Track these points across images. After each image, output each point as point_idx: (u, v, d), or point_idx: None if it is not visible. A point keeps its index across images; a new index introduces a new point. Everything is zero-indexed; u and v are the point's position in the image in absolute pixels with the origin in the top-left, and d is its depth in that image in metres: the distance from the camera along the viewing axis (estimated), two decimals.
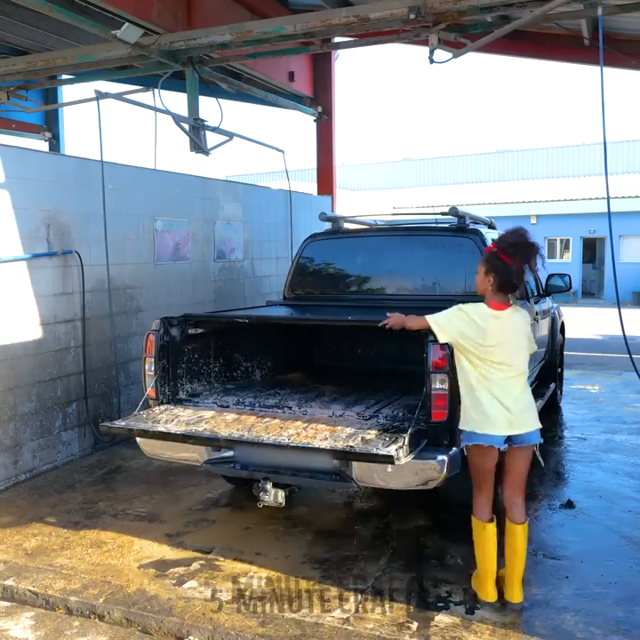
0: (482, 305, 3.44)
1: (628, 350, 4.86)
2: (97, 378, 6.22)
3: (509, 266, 3.35)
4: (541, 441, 3.48)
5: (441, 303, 5.16)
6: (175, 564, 4.03)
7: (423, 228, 5.96)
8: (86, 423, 6.11)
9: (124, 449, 6.17)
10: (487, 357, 3.36)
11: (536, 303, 6.12)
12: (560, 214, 25.26)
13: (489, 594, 3.49)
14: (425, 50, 6.09)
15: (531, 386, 5.87)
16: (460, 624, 3.32)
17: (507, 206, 26.05)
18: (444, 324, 3.44)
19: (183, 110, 7.12)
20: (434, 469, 3.55)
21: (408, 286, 5.59)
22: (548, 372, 6.86)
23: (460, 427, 3.49)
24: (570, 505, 4.79)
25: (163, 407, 4.38)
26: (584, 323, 16.12)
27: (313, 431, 3.78)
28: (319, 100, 10.64)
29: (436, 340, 3.53)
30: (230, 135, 7.58)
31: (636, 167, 29.55)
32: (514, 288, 3.44)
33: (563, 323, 7.82)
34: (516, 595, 3.50)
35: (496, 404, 3.34)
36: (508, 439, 3.39)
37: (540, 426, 3.46)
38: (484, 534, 3.47)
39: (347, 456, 3.53)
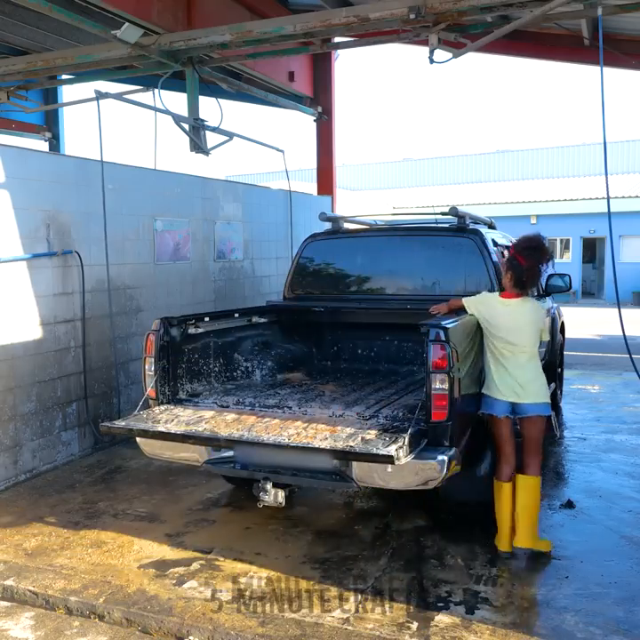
0: (496, 293, 4.24)
1: (628, 350, 4.86)
2: (97, 378, 6.22)
3: (522, 265, 3.96)
4: (551, 413, 4.07)
5: (441, 303, 5.17)
6: (175, 563, 4.03)
7: (423, 228, 5.96)
8: (86, 423, 6.11)
9: (124, 449, 6.17)
10: (498, 334, 3.99)
11: None
12: (560, 214, 25.25)
13: (503, 544, 4.01)
14: (425, 50, 6.09)
15: None
16: (459, 624, 3.32)
17: (507, 206, 26.04)
18: (470, 302, 4.20)
19: (183, 110, 7.13)
20: (434, 469, 3.54)
21: (408, 286, 5.59)
22: (547, 372, 6.84)
23: (482, 390, 4.10)
24: (570, 505, 4.79)
25: (163, 407, 4.38)
26: (584, 323, 16.12)
27: (313, 431, 3.77)
28: (319, 100, 10.64)
29: (436, 340, 3.64)
30: (230, 135, 7.58)
31: (635, 167, 29.55)
32: (525, 284, 4.02)
33: (563, 323, 7.82)
34: (520, 540, 3.98)
35: (506, 375, 3.96)
36: (513, 410, 3.97)
37: (547, 400, 4.04)
38: (501, 492, 3.99)
39: (347, 456, 3.53)
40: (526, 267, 3.95)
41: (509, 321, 3.97)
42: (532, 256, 3.97)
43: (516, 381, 3.94)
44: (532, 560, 4.01)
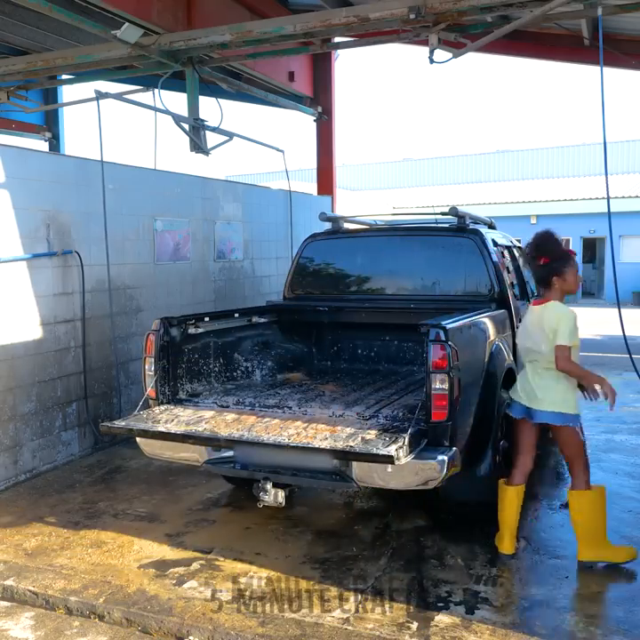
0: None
1: (628, 350, 4.86)
2: (97, 378, 6.22)
3: (534, 263, 4.00)
4: (570, 424, 3.85)
5: (441, 303, 5.18)
6: (175, 564, 4.03)
7: (423, 228, 5.96)
8: (86, 423, 6.11)
9: (124, 449, 6.17)
10: (517, 341, 4.23)
11: None
12: (560, 214, 25.23)
13: (503, 545, 4.01)
14: (425, 50, 6.08)
15: None
16: (459, 624, 3.32)
17: (507, 206, 26.03)
18: None
19: (183, 110, 7.13)
20: (434, 469, 3.55)
21: (408, 286, 5.59)
22: None
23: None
24: None
25: (163, 407, 4.38)
26: (584, 323, 15.95)
27: (313, 431, 3.77)
28: (319, 100, 10.64)
29: (436, 340, 3.64)
30: (230, 135, 7.58)
31: (636, 167, 29.54)
32: (539, 282, 4.03)
33: None
34: (580, 553, 3.90)
35: (524, 379, 4.02)
36: (528, 414, 3.95)
37: (565, 410, 3.85)
38: (504, 494, 4.01)
39: (347, 456, 3.53)
40: (539, 264, 3.92)
41: (528, 328, 4.00)
42: (538, 253, 3.92)
43: (530, 386, 3.95)
44: (532, 560, 4.01)
